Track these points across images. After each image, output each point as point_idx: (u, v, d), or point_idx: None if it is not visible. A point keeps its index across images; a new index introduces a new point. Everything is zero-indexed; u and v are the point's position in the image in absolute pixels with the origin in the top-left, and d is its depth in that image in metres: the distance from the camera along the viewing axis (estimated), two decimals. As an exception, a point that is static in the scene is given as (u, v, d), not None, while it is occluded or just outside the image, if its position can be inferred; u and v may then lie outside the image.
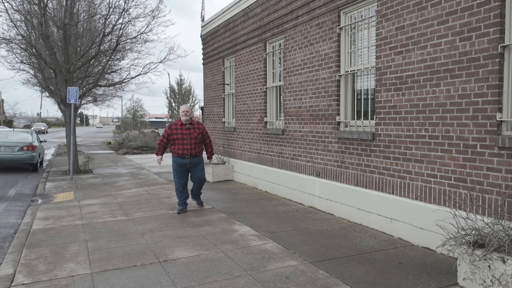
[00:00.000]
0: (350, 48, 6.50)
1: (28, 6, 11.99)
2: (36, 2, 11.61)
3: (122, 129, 33.57)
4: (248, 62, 9.83)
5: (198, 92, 56.01)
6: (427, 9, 4.90)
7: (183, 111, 7.00)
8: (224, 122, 11.66)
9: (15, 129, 17.79)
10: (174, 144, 6.98)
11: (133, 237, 5.73)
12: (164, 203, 8.00)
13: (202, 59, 13.19)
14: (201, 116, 34.56)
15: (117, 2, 12.39)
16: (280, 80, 8.69)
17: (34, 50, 12.31)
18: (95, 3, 13.58)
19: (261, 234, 5.72)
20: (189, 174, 7.22)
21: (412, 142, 5.19)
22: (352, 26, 6.46)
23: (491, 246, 3.51)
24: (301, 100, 7.64)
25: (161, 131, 43.51)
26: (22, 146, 13.76)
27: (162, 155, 7.22)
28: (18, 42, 12.78)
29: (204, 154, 7.43)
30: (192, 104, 48.24)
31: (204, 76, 13.14)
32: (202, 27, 13.16)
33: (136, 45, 14.01)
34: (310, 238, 5.51)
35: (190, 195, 7.46)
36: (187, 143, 6.94)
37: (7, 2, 11.60)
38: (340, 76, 6.60)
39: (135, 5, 15.06)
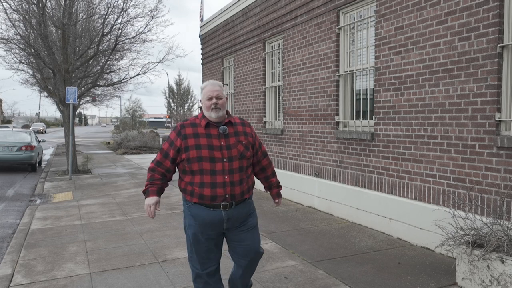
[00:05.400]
0: (349, 48, 6.51)
1: (27, 6, 11.96)
2: (35, 2, 11.58)
3: (121, 129, 33.54)
4: (247, 62, 9.83)
5: (197, 92, 56.00)
6: (426, 9, 4.91)
7: (209, 97, 3.00)
8: (223, 122, 11.64)
9: (13, 129, 17.75)
10: (191, 170, 2.96)
11: (131, 237, 5.72)
12: (163, 203, 7.99)
13: (201, 59, 13.18)
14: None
15: (116, 2, 12.32)
16: (279, 80, 8.69)
17: (32, 50, 12.29)
18: (94, 3, 13.57)
19: (260, 234, 5.71)
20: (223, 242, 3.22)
21: (411, 142, 5.20)
22: (351, 26, 6.46)
23: (490, 246, 3.51)
24: (300, 100, 7.64)
25: (160, 132, 42.54)
26: (20, 146, 13.73)
27: (158, 196, 3.04)
28: (16, 42, 12.76)
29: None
30: (191, 104, 48.21)
31: (203, 76, 13.13)
32: (201, 27, 13.15)
33: (135, 45, 14.02)
34: (309, 238, 5.50)
35: None
36: (223, 170, 2.94)
37: (6, 1, 11.59)
38: (339, 76, 6.60)
39: (134, 5, 15.11)
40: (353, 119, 6.47)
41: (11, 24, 12.25)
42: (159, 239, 5.59)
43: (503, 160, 4.10)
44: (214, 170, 2.92)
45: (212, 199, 2.93)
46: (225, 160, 2.94)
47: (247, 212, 3.13)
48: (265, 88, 9.09)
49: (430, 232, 4.86)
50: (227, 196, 2.94)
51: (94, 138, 39.35)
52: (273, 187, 3.39)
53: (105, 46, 13.29)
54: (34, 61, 13.54)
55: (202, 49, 13.13)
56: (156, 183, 3.05)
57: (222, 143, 2.97)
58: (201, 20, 13.68)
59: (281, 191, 3.42)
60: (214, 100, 2.98)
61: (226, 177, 2.93)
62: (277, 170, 8.48)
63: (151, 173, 3.07)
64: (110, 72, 15.27)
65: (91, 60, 13.70)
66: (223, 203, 2.95)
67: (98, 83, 14.82)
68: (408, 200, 5.25)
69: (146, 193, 3.05)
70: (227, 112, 3.09)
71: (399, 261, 4.58)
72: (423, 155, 5.02)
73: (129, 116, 50.07)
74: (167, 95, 48.10)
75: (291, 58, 7.87)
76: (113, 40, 12.95)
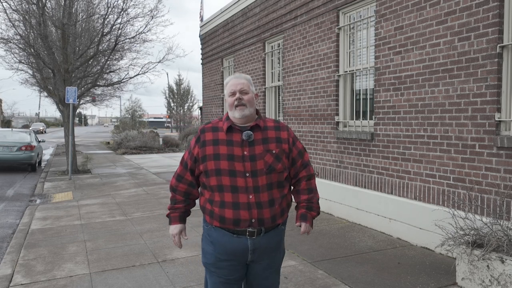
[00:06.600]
0: (349, 48, 6.51)
1: (27, 6, 11.96)
2: (35, 2, 11.58)
3: (121, 129, 33.54)
4: (247, 62, 9.83)
5: (197, 92, 56.27)
6: (426, 9, 4.91)
7: (232, 92, 2.37)
8: (223, 122, 11.64)
9: (13, 129, 17.75)
10: (210, 186, 2.37)
11: (131, 237, 5.72)
12: (163, 203, 7.99)
13: (201, 59, 13.18)
14: (199, 117, 34.53)
15: (116, 2, 12.31)
16: (279, 80, 8.69)
17: (32, 50, 12.29)
18: (94, 2, 13.58)
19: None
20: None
21: (411, 142, 5.20)
22: (351, 26, 6.46)
23: (490, 246, 3.51)
24: (300, 100, 7.64)
25: (160, 132, 42.52)
26: (20, 146, 13.72)
27: (181, 223, 2.53)
28: (16, 41, 12.76)
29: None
30: (191, 104, 48.28)
31: (203, 76, 13.13)
32: (201, 27, 13.16)
33: (135, 45, 14.01)
34: (309, 238, 5.50)
35: None
36: (246, 187, 2.30)
37: (5, 1, 11.59)
38: (339, 76, 6.60)
39: (133, 4, 15.08)
40: (353, 119, 6.47)
41: (11, 24, 12.25)
42: (159, 239, 5.59)
43: (503, 160, 4.10)
44: (236, 186, 2.28)
45: (235, 224, 2.29)
46: (247, 174, 2.29)
47: (278, 241, 2.51)
48: (265, 88, 9.09)
49: (430, 232, 4.86)
50: (253, 220, 2.29)
51: (94, 138, 39.35)
52: (300, 206, 2.62)
53: (105, 46, 13.28)
54: (34, 61, 13.53)
55: (202, 49, 13.14)
56: (178, 207, 2.50)
57: (245, 152, 2.31)
58: (201, 20, 13.68)
59: (314, 217, 2.63)
60: (237, 95, 2.34)
61: (250, 197, 2.28)
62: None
63: (172, 194, 2.52)
64: (110, 72, 15.27)
65: (91, 60, 13.69)
66: (250, 229, 2.30)
67: (98, 83, 14.81)
68: (408, 200, 5.25)
69: (169, 219, 2.53)
70: (258, 112, 2.46)
71: (399, 261, 4.58)
72: (423, 155, 5.02)
73: (129, 116, 50.11)
74: (167, 95, 48.15)
75: (291, 58, 7.87)
76: (113, 40, 12.95)
